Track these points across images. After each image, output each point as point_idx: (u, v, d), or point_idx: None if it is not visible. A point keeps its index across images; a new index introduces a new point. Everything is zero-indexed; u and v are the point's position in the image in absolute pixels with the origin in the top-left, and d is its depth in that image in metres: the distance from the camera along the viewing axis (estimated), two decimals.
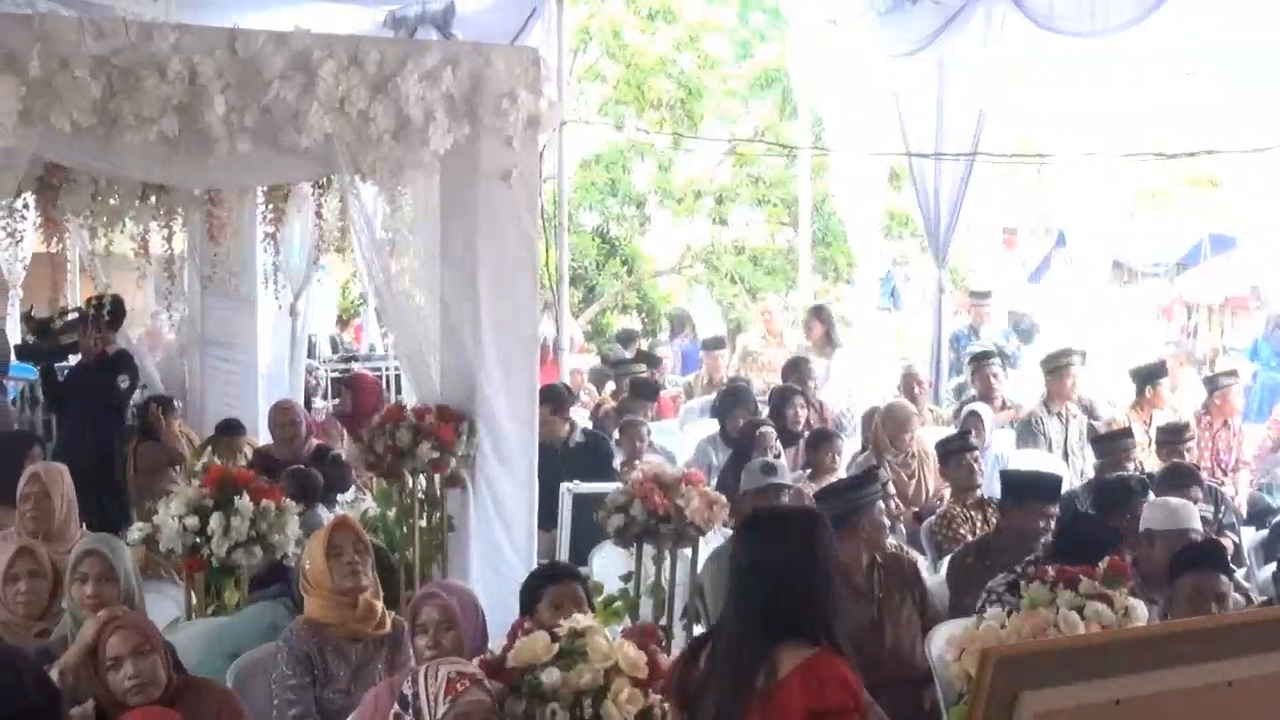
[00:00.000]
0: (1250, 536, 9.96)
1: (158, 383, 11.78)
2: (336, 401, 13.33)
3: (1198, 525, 7.66)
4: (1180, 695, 2.31)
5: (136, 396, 11.11)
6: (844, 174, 15.08)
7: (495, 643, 5.31)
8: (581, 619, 5.04)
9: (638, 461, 9.88)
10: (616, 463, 10.69)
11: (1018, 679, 2.14)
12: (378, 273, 7.98)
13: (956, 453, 9.65)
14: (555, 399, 10.93)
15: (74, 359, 11.19)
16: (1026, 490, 8.04)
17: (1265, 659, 2.40)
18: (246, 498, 7.18)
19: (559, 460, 10.23)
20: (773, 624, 4.55)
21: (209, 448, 10.15)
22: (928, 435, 11.08)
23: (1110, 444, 10.41)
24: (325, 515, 8.62)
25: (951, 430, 11.09)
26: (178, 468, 10.11)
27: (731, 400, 11.82)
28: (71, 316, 11.08)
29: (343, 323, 21.63)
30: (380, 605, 6.16)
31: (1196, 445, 11.21)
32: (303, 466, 9.27)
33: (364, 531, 6.41)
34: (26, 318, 12.62)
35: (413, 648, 5.59)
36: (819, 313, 15.07)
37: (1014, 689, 2.14)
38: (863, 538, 7.39)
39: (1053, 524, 7.77)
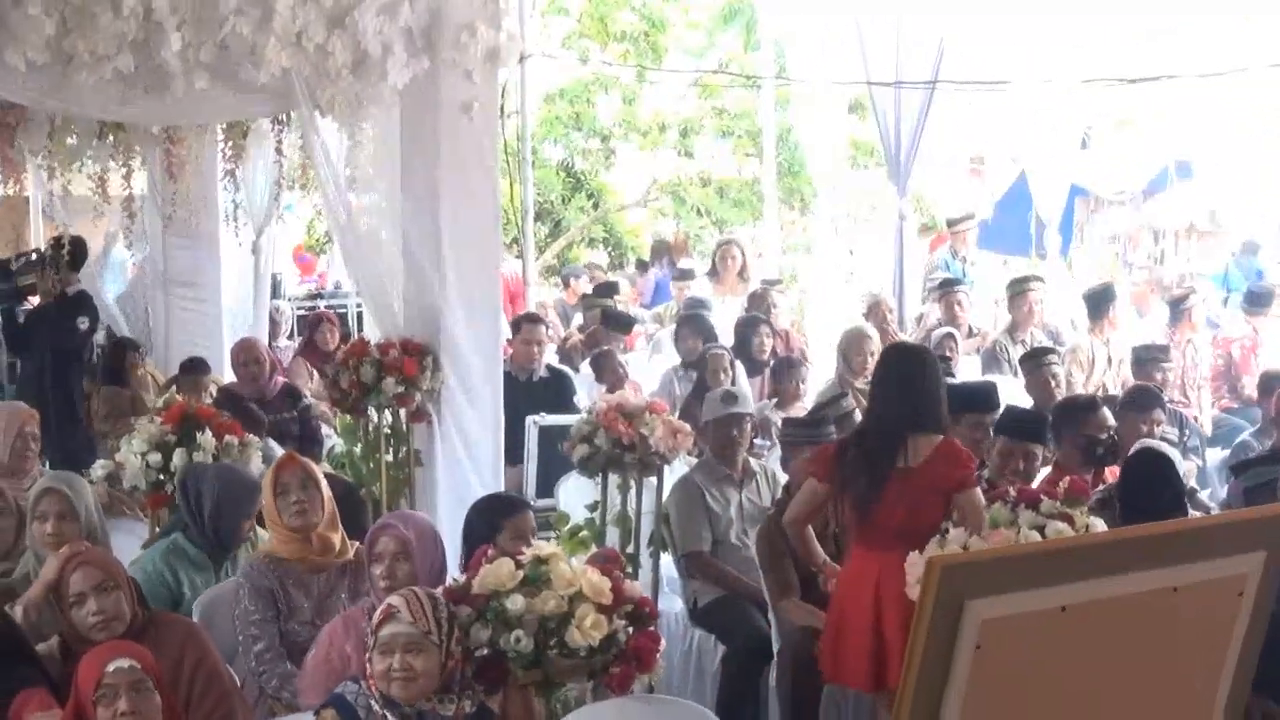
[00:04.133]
0: (1216, 457, 9.99)
1: (121, 323, 11.73)
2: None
3: None
4: (1125, 601, 2.34)
5: (100, 337, 11.07)
6: (806, 104, 15.04)
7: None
8: (545, 546, 5.07)
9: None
10: (599, 393, 10.64)
11: (964, 587, 2.16)
12: (340, 209, 7.95)
13: None
14: (537, 319, 11.08)
15: (34, 300, 11.15)
16: (959, 404, 7.50)
17: (1208, 565, 2.43)
18: (209, 433, 7.19)
19: (522, 394, 10.21)
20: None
21: (173, 387, 10.13)
22: None
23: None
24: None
25: None
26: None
27: (685, 326, 11.83)
28: (31, 258, 11.04)
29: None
30: (339, 536, 6.15)
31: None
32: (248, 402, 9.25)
33: (313, 466, 6.38)
34: None
35: (369, 577, 5.60)
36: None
37: (960, 597, 2.16)
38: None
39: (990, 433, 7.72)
